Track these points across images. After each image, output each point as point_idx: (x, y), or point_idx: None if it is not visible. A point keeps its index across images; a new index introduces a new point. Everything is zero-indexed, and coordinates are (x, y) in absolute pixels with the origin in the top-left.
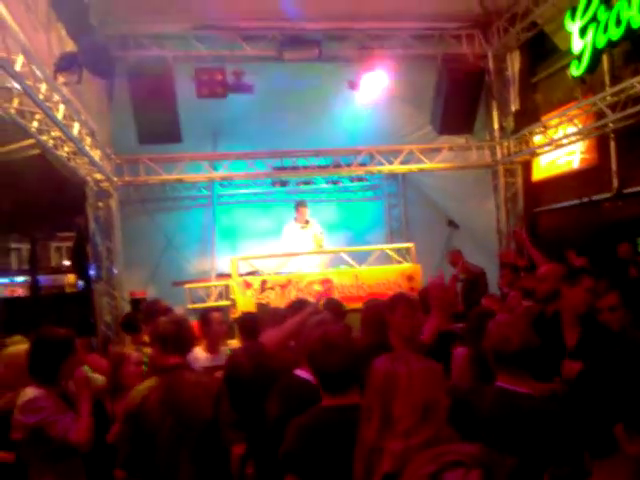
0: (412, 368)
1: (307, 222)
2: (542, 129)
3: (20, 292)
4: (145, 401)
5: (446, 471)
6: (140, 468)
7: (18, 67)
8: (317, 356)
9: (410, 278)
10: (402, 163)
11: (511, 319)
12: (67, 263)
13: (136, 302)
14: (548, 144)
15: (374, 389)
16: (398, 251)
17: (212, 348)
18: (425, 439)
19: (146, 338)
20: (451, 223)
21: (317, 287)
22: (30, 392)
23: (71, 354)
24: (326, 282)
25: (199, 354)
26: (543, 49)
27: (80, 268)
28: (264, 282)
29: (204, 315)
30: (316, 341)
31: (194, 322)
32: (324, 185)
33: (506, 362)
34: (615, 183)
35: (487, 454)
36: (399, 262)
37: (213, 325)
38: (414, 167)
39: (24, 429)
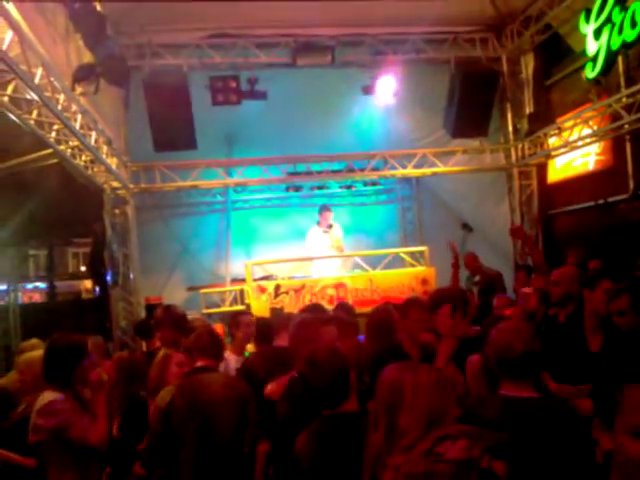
0: (419, 379)
1: (330, 226)
2: (557, 131)
3: (38, 298)
4: (174, 400)
5: (437, 445)
6: (163, 466)
7: (37, 79)
8: (307, 377)
9: (424, 281)
10: (415, 167)
11: (514, 325)
12: (84, 269)
13: (151, 307)
14: (563, 146)
15: (380, 398)
16: (412, 255)
17: (240, 350)
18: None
19: (158, 343)
20: (465, 226)
21: (331, 291)
22: (48, 396)
23: (84, 358)
24: (340, 286)
25: (229, 356)
26: (557, 51)
27: (97, 274)
28: (278, 287)
29: (234, 317)
30: (304, 361)
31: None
32: (338, 190)
33: (509, 369)
34: (631, 185)
35: (474, 428)
36: (413, 266)
37: (242, 327)
38: (428, 171)
39: (44, 432)
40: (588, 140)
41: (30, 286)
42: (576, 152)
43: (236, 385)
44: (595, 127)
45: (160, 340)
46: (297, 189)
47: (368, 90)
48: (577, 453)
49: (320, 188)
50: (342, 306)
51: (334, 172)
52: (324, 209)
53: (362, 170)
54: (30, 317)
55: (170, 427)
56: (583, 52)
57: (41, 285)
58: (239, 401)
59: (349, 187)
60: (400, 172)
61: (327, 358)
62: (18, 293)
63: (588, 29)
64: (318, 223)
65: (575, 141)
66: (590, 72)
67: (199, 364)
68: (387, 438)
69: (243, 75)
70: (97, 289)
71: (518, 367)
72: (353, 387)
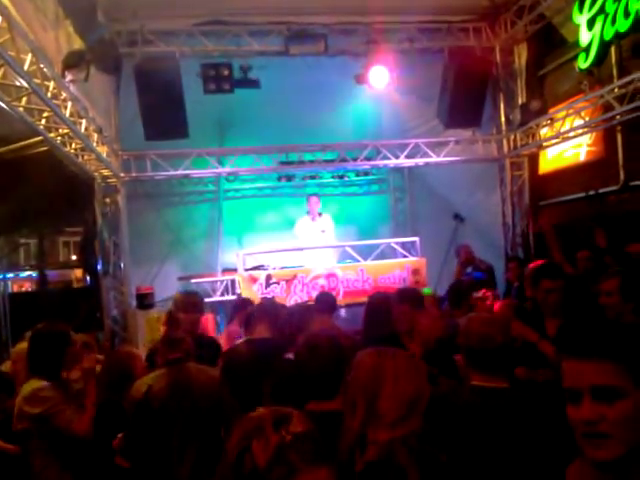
0: (398, 363)
1: (319, 215)
2: (549, 122)
3: (28, 287)
4: (150, 390)
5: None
6: (142, 456)
7: (27, 66)
8: (301, 361)
9: (415, 272)
10: (408, 157)
11: (491, 317)
12: (75, 258)
13: (142, 297)
14: (555, 137)
15: (358, 383)
16: (403, 245)
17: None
18: (410, 431)
19: None
20: (457, 216)
21: (322, 282)
22: (35, 383)
23: (68, 347)
24: (331, 276)
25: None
26: (550, 41)
27: (88, 263)
28: (269, 277)
29: (243, 301)
30: (303, 344)
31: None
32: (330, 179)
33: (486, 360)
34: (622, 176)
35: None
36: (405, 256)
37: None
38: (420, 160)
39: (29, 419)
40: (580, 131)
41: (20, 275)
42: (568, 143)
43: (213, 374)
44: (587, 118)
45: None
46: (289, 179)
47: (361, 79)
48: (547, 444)
49: (312, 178)
50: (323, 296)
51: (326, 162)
52: (311, 197)
53: (354, 160)
54: (20, 306)
55: (146, 417)
56: (576, 42)
57: (32, 274)
58: (217, 389)
59: (341, 177)
60: (393, 162)
61: (327, 344)
62: (8, 282)
63: (581, 19)
64: (308, 212)
65: (567, 132)
66: (583, 62)
67: (175, 355)
68: (366, 419)
69: (236, 63)
70: (88, 278)
71: (495, 358)
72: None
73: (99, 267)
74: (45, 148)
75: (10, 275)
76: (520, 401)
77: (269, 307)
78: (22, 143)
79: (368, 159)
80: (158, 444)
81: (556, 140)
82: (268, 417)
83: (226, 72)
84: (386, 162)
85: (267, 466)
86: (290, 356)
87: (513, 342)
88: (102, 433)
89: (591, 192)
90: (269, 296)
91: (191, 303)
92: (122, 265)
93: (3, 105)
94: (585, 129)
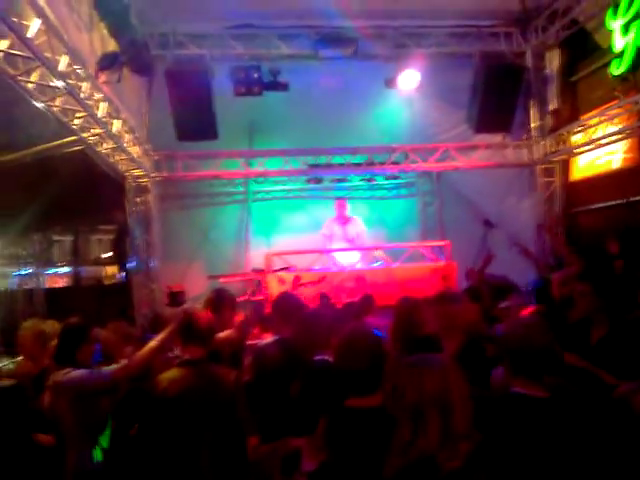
0: (459, 378)
1: (347, 219)
2: (581, 128)
3: (62, 283)
4: (169, 389)
5: None
6: (161, 455)
7: (62, 67)
8: (342, 356)
9: (445, 277)
10: (437, 161)
11: (531, 320)
12: (108, 256)
13: (174, 295)
14: (587, 144)
15: (428, 397)
16: (432, 250)
17: None
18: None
19: None
20: (487, 223)
21: (350, 284)
22: (65, 370)
23: (85, 342)
24: (359, 279)
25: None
26: (583, 47)
27: (120, 261)
28: (297, 278)
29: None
30: (341, 342)
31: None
32: (358, 182)
33: (527, 365)
34: None
35: None
36: (433, 261)
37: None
38: (449, 165)
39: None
40: (613, 138)
41: (55, 271)
42: (600, 150)
43: (228, 376)
44: (621, 125)
45: None
46: (317, 181)
47: (391, 83)
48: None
49: (340, 181)
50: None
51: (355, 165)
52: (338, 200)
53: (383, 164)
54: (54, 301)
55: (164, 416)
56: (610, 48)
57: (65, 270)
58: (232, 392)
59: (369, 180)
60: (422, 166)
61: (367, 339)
62: (43, 278)
63: (616, 24)
64: (335, 215)
65: (599, 139)
66: (616, 69)
67: (194, 355)
68: (443, 441)
69: (265, 66)
70: (120, 276)
71: (536, 364)
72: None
73: (131, 265)
74: (78, 148)
75: (45, 271)
76: (559, 413)
77: (289, 305)
78: (56, 142)
79: (397, 163)
80: (173, 444)
81: (588, 147)
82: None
83: (256, 75)
84: (415, 166)
85: None
86: (323, 357)
87: (554, 346)
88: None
89: (624, 200)
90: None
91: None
92: (153, 263)
93: (39, 105)
94: (619, 136)
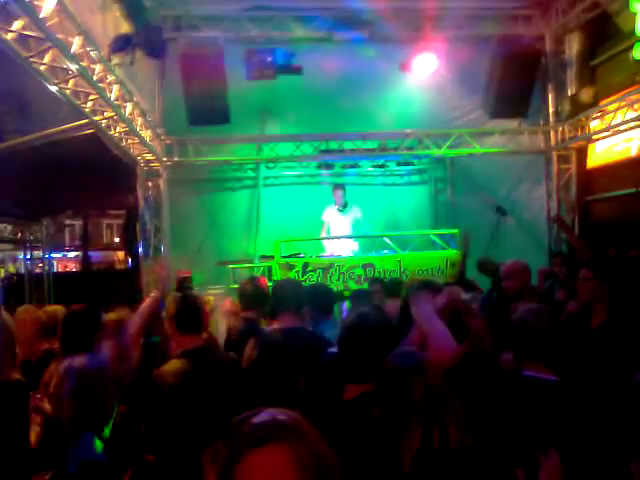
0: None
1: (345, 205)
2: (599, 114)
3: (72, 267)
4: (175, 383)
5: None
6: (168, 451)
7: (75, 49)
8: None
9: (454, 265)
10: (451, 147)
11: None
12: (118, 240)
13: (181, 280)
14: (606, 130)
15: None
16: (443, 237)
17: None
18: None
19: None
20: (500, 210)
21: (359, 271)
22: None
23: (98, 329)
24: (368, 266)
25: None
26: (604, 31)
27: (129, 245)
28: (306, 265)
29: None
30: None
31: None
32: (370, 168)
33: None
34: None
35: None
36: (444, 248)
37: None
38: (463, 151)
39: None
40: (632, 124)
41: (64, 255)
42: (618, 137)
43: (233, 363)
44: None
45: None
46: (329, 167)
47: (405, 67)
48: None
49: (352, 167)
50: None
51: (367, 150)
52: (335, 187)
53: (395, 149)
54: (64, 286)
55: (171, 411)
56: (632, 32)
57: (75, 255)
58: (236, 380)
59: (381, 166)
60: (435, 152)
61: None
62: (53, 262)
63: None
64: (335, 203)
65: (618, 125)
66: (639, 52)
67: (196, 344)
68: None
69: (279, 50)
70: (129, 260)
71: (546, 348)
72: None
73: (140, 250)
74: (90, 131)
75: (55, 255)
76: (570, 396)
77: (293, 291)
78: (68, 125)
79: (410, 148)
80: (182, 439)
81: (607, 133)
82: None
83: (269, 58)
84: (428, 152)
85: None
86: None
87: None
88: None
89: None
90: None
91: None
92: (162, 248)
93: (52, 87)
94: (638, 122)
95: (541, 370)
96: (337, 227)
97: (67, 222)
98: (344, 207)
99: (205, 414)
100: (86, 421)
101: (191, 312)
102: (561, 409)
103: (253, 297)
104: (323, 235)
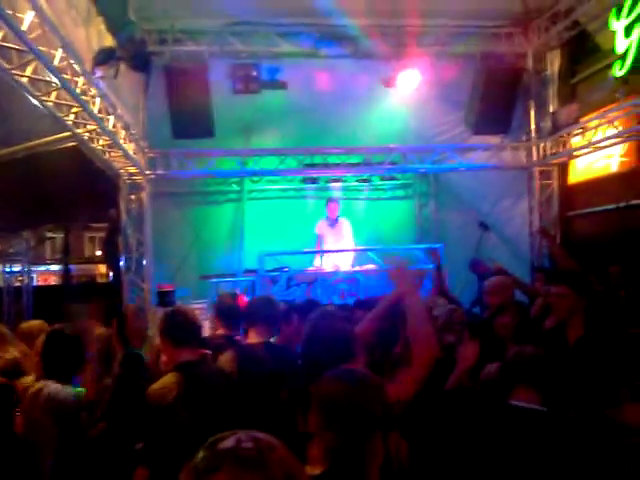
0: None
1: (336, 220)
2: (580, 130)
3: (53, 280)
4: (170, 395)
5: None
6: (164, 464)
7: (57, 61)
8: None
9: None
10: (434, 162)
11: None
12: (99, 254)
13: (163, 294)
14: (586, 146)
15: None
16: (425, 252)
17: None
18: None
19: None
20: (482, 225)
21: (343, 286)
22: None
23: (82, 358)
24: (352, 281)
25: None
26: (584, 49)
27: (111, 259)
28: (290, 279)
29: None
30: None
31: None
32: (354, 183)
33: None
34: None
35: None
36: (428, 263)
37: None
38: (446, 167)
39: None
40: (613, 141)
41: (45, 268)
42: (599, 153)
43: (228, 376)
44: (620, 128)
45: None
46: (313, 181)
47: (389, 83)
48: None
49: (336, 181)
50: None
51: (351, 165)
52: (329, 201)
53: (379, 164)
54: (44, 299)
55: (167, 423)
56: (611, 50)
57: (56, 268)
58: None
59: (366, 181)
60: (419, 167)
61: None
62: (33, 275)
63: (618, 26)
64: (326, 217)
65: (599, 141)
66: (618, 70)
67: (190, 358)
68: None
69: (264, 64)
70: (111, 274)
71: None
72: None
73: (122, 263)
74: (73, 144)
75: (35, 268)
76: (554, 428)
77: (265, 308)
78: (50, 138)
79: (393, 163)
80: (179, 452)
81: (588, 150)
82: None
83: (254, 73)
84: (412, 167)
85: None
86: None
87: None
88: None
89: (622, 204)
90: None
91: None
92: (144, 262)
93: (33, 100)
94: (618, 139)
95: (530, 397)
96: (330, 240)
97: (48, 234)
98: (336, 221)
99: (205, 429)
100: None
101: (185, 325)
102: (544, 441)
103: (229, 312)
104: (317, 248)
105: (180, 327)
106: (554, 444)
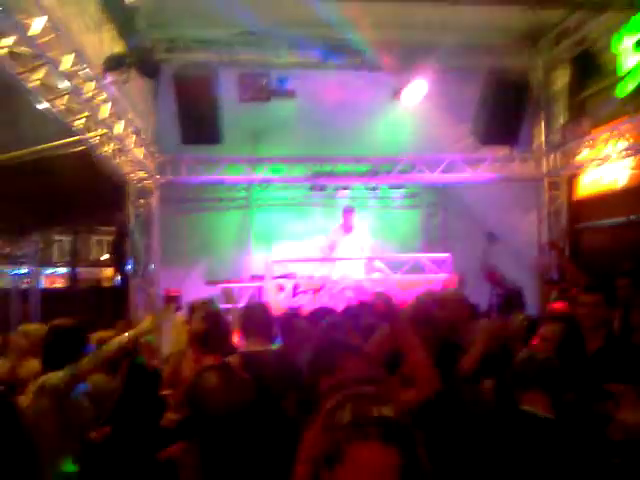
0: None
1: (350, 229)
2: (590, 143)
3: (60, 283)
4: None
5: None
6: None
7: (67, 66)
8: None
9: (447, 289)
10: (443, 172)
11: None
12: (107, 257)
13: (169, 299)
14: (595, 159)
15: None
16: (434, 261)
17: None
18: None
19: None
20: (490, 236)
21: (349, 293)
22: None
23: (84, 345)
24: (359, 289)
25: None
26: (592, 65)
27: (118, 263)
28: (297, 286)
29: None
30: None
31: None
32: (362, 192)
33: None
34: None
35: None
36: (435, 272)
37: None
38: (455, 177)
39: None
40: (622, 154)
41: (53, 271)
42: (609, 166)
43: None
44: (631, 140)
45: None
46: (321, 189)
47: (397, 94)
48: None
49: (344, 189)
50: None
51: (359, 174)
52: (345, 210)
53: (388, 173)
54: (50, 302)
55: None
56: (619, 67)
57: (64, 271)
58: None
59: (373, 189)
60: (427, 177)
61: None
62: (40, 277)
63: (626, 43)
64: (342, 225)
65: (609, 155)
66: (626, 87)
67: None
68: None
69: (273, 73)
70: (118, 278)
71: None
72: None
73: (129, 267)
74: (81, 148)
75: (43, 271)
76: (563, 435)
77: (263, 315)
78: (60, 142)
79: (402, 173)
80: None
81: (597, 162)
82: (370, 393)
83: (263, 82)
84: (420, 177)
85: (347, 425)
86: None
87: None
88: None
89: (632, 217)
90: (295, 305)
91: None
92: (151, 267)
93: (43, 104)
94: (628, 152)
95: (540, 404)
96: (343, 248)
97: (56, 237)
98: (349, 230)
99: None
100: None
101: (218, 332)
102: (552, 448)
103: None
104: (330, 254)
105: (213, 333)
106: (562, 452)
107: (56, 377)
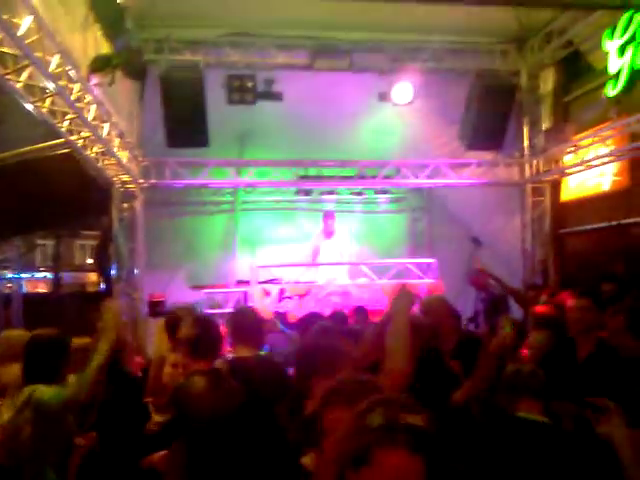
0: None
1: (331, 234)
2: (573, 148)
3: (42, 288)
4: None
5: None
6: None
7: (53, 67)
8: None
9: (431, 294)
10: (428, 177)
11: None
12: (90, 262)
13: (154, 304)
14: (579, 164)
15: None
16: (420, 266)
17: None
18: None
19: None
20: (475, 240)
21: (335, 299)
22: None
23: (67, 357)
24: (345, 294)
25: None
26: (578, 68)
27: (102, 267)
28: (282, 291)
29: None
30: None
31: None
32: (348, 196)
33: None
34: None
35: None
36: (420, 277)
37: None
38: (440, 182)
39: None
40: (605, 159)
41: (35, 276)
42: (591, 171)
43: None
44: (613, 147)
45: None
46: (307, 193)
47: (384, 97)
48: None
49: (330, 193)
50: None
51: (345, 178)
52: (325, 215)
53: (373, 177)
54: (33, 307)
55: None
56: (604, 70)
57: (47, 275)
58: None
59: (359, 194)
60: (412, 181)
61: None
62: (22, 282)
63: (611, 46)
64: (322, 229)
65: (591, 160)
66: (611, 90)
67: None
68: None
69: (260, 75)
70: (102, 283)
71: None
72: None
73: (113, 272)
74: (65, 150)
75: (25, 275)
76: (558, 440)
77: (252, 320)
78: (43, 144)
79: (387, 177)
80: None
81: (580, 168)
82: (401, 400)
83: (250, 84)
84: (406, 182)
85: (377, 428)
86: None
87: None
88: None
89: (614, 222)
90: (281, 310)
91: None
92: (136, 271)
93: (28, 105)
94: (610, 158)
95: (534, 410)
96: (326, 254)
97: (39, 242)
98: (331, 235)
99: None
100: (44, 452)
101: (209, 338)
102: (547, 452)
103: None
104: (312, 260)
105: (204, 340)
106: (558, 455)
107: (47, 394)
